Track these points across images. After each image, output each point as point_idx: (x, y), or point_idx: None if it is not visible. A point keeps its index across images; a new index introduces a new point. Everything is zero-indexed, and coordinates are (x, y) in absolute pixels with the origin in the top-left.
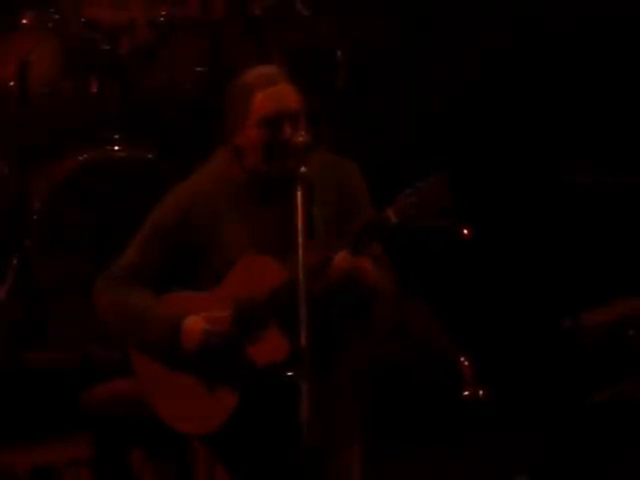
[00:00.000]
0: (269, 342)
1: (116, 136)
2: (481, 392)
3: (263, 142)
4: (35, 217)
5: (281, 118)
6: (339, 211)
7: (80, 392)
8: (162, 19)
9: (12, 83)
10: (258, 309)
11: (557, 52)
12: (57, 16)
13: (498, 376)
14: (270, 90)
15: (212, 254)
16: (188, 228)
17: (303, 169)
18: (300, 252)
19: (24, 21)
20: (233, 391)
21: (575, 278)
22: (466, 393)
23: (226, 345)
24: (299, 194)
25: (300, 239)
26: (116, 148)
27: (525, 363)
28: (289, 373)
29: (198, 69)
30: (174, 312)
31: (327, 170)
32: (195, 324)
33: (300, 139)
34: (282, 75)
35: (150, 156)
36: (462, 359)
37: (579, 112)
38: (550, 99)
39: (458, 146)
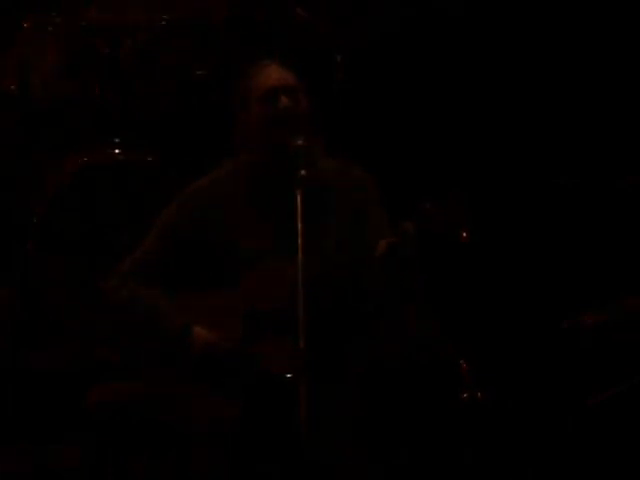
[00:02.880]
0: (281, 351)
1: (117, 139)
2: (480, 394)
3: (262, 116)
4: (35, 218)
5: (276, 91)
6: (353, 219)
7: (80, 393)
8: (163, 22)
9: (13, 87)
10: (271, 317)
11: (556, 51)
12: (58, 19)
13: (498, 377)
14: (263, 70)
15: (223, 253)
16: (198, 226)
17: (303, 172)
18: (300, 254)
19: (25, 24)
20: (238, 396)
21: (575, 278)
22: (465, 395)
23: (232, 358)
24: (299, 197)
25: (300, 241)
26: (117, 151)
27: (525, 363)
28: (288, 375)
29: (199, 72)
30: (184, 319)
31: (343, 178)
32: (203, 336)
33: (300, 142)
34: (275, 60)
35: (150, 159)
36: (461, 361)
37: (575, 112)
38: (549, 100)
39: (457, 147)
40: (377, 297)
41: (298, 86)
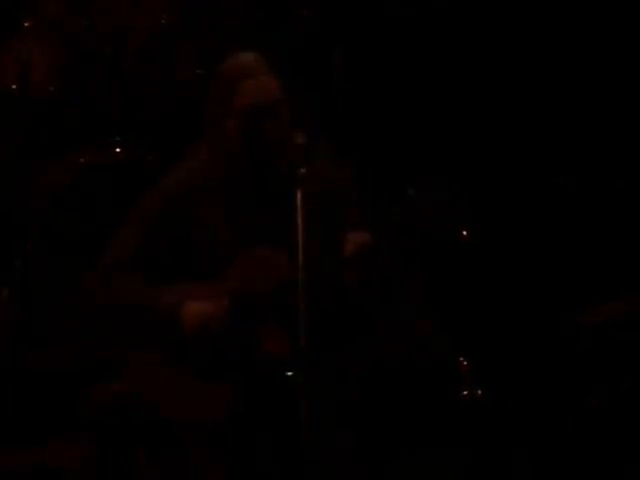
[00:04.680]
0: (268, 338)
1: (117, 139)
2: (480, 392)
3: (243, 135)
4: (35, 217)
5: (260, 111)
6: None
7: (80, 392)
8: (163, 22)
9: (14, 86)
10: (255, 304)
11: (554, 51)
12: (58, 19)
13: (498, 375)
14: (249, 83)
15: (198, 248)
16: (174, 221)
17: (303, 170)
18: (300, 253)
19: (25, 23)
20: (233, 385)
21: (575, 278)
22: (465, 393)
23: (227, 334)
24: (299, 196)
25: (300, 240)
26: (117, 150)
27: (525, 362)
28: (288, 373)
29: (199, 71)
30: (173, 301)
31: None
32: (196, 307)
33: (299, 140)
34: (261, 66)
35: (150, 159)
36: (461, 359)
37: (575, 112)
38: (549, 99)
39: (458, 147)
40: (377, 297)
41: (281, 100)
